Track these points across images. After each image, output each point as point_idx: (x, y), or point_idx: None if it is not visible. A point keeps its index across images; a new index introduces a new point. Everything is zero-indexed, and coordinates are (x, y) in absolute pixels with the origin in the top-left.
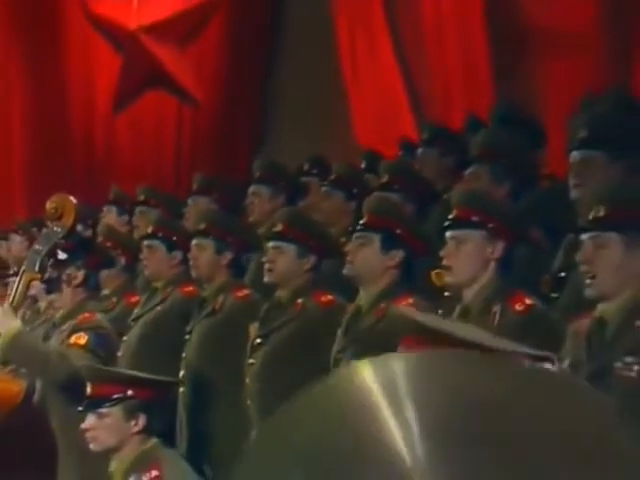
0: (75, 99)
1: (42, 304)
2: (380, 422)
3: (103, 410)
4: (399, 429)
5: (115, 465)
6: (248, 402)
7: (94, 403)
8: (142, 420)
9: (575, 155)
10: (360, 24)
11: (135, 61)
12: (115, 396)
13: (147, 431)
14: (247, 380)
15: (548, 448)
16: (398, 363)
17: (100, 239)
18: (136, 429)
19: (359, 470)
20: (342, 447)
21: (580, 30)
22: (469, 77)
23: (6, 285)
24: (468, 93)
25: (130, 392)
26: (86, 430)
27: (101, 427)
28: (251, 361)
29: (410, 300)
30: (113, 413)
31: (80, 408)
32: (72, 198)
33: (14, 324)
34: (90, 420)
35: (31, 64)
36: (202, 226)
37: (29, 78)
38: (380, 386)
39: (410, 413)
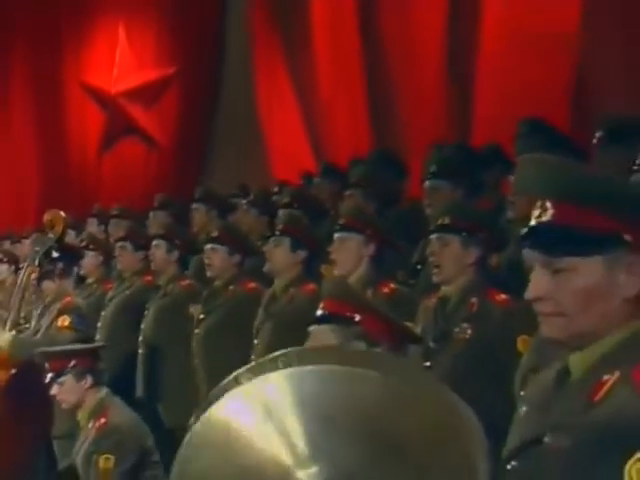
0: (72, 143)
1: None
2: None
3: (61, 380)
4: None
5: (80, 414)
6: (196, 361)
7: (53, 377)
8: (89, 378)
9: (427, 184)
10: (274, 87)
11: (115, 117)
12: (65, 368)
13: (96, 384)
14: (194, 345)
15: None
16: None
17: (84, 243)
18: (87, 385)
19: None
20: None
21: (431, 96)
22: (353, 128)
23: (17, 275)
24: (352, 139)
25: (73, 362)
26: (55, 396)
27: (63, 392)
28: (197, 331)
29: (311, 286)
30: (68, 380)
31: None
32: (62, 212)
33: (6, 335)
34: (55, 389)
35: (41, 120)
36: (159, 232)
37: (40, 130)
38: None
39: (291, 424)
